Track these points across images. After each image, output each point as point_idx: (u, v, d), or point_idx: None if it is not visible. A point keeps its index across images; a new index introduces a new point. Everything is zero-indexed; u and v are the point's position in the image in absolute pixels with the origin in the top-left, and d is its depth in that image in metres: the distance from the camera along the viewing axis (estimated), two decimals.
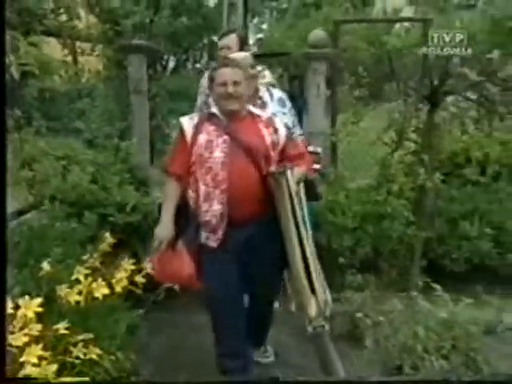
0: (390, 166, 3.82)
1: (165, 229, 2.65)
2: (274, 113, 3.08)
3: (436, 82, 3.50)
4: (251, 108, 2.79)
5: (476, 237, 4.16)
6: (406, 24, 6.66)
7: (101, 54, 5.96)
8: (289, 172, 2.52)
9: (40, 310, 2.13)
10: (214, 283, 2.69)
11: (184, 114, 2.89)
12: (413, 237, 4.02)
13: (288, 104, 3.37)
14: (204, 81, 3.69)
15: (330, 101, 5.07)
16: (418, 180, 3.54)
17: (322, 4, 14.96)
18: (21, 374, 1.98)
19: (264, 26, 16.99)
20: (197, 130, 2.62)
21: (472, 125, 3.84)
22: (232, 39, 3.59)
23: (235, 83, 2.60)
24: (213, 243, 2.62)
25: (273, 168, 2.59)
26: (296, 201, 2.55)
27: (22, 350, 2.05)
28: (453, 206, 4.34)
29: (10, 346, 2.03)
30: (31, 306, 2.12)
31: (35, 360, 2.02)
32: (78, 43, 5.49)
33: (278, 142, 2.66)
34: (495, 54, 3.16)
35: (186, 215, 2.68)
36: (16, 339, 2.05)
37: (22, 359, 2.02)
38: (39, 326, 2.14)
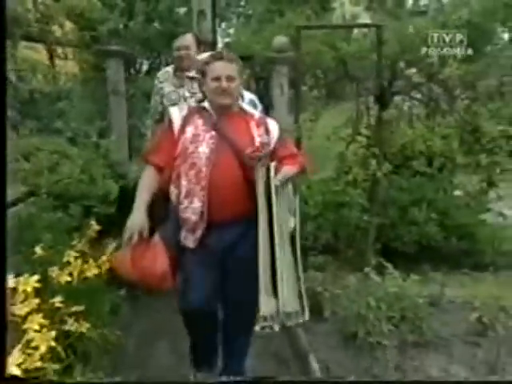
0: (346, 159, 4.15)
1: (136, 219, 2.39)
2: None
3: (385, 84, 3.86)
4: (243, 105, 2.67)
5: (423, 222, 4.56)
6: (365, 29, 7.04)
7: (77, 58, 6.16)
8: (272, 164, 2.32)
9: (38, 285, 2.34)
10: (187, 287, 2.48)
11: None
12: (368, 222, 4.37)
13: (259, 106, 3.37)
14: (157, 81, 3.83)
15: (293, 100, 5.38)
16: (369, 171, 3.87)
17: (285, 11, 15.19)
18: (24, 339, 2.17)
19: (231, 31, 17.26)
20: (185, 121, 2.47)
21: (418, 121, 4.20)
22: (188, 39, 3.57)
23: (229, 78, 2.44)
24: (190, 243, 2.43)
25: (248, 150, 2.35)
26: (275, 195, 2.26)
27: (24, 318, 2.26)
28: (403, 194, 4.73)
29: (13, 315, 2.25)
30: (30, 282, 2.32)
31: (37, 327, 2.24)
32: (56, 48, 5.67)
33: (269, 143, 2.47)
34: (435, 57, 3.50)
35: (166, 209, 2.50)
36: (19, 309, 2.28)
37: (24, 327, 2.24)
38: (37, 300, 2.35)
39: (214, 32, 8.98)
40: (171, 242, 2.41)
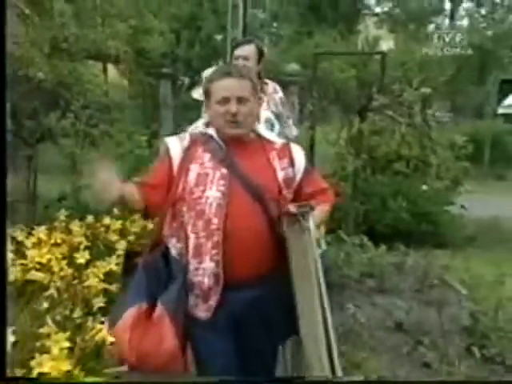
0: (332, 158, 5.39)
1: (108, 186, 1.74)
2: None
3: (364, 102, 5.08)
4: (260, 130, 2.01)
5: (398, 210, 5.72)
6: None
7: (129, 76, 7.59)
8: (311, 213, 1.77)
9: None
10: (203, 365, 1.94)
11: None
12: (352, 207, 5.57)
13: (276, 125, 2.90)
14: None
15: (305, 115, 6.63)
16: (346, 167, 5.11)
17: (314, 32, 16.51)
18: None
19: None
20: (187, 155, 1.87)
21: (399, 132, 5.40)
22: (250, 49, 3.08)
23: (241, 100, 1.84)
24: (203, 313, 1.86)
25: (292, 207, 1.78)
26: (317, 252, 1.76)
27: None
28: (384, 188, 5.92)
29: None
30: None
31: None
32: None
33: (294, 177, 1.92)
34: (397, 84, 4.71)
35: (167, 271, 1.89)
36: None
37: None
38: None
39: None
40: (178, 312, 1.81)
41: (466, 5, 21.39)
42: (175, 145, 1.91)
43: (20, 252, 2.46)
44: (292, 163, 1.91)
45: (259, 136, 1.96)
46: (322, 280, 1.65)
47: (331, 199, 2.03)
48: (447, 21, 20.54)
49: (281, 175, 1.87)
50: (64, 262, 2.40)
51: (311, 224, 1.72)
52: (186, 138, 1.94)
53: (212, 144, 1.88)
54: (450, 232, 5.74)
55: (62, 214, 3.02)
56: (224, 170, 1.82)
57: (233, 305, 1.84)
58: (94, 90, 4.42)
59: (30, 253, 2.40)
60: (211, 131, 1.93)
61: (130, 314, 1.79)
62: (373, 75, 6.58)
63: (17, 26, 4.25)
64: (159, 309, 1.79)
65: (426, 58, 14.45)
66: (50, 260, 2.38)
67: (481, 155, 9.93)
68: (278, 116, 3.05)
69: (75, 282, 2.23)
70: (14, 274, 2.22)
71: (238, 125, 1.84)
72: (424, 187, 5.77)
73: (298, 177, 1.92)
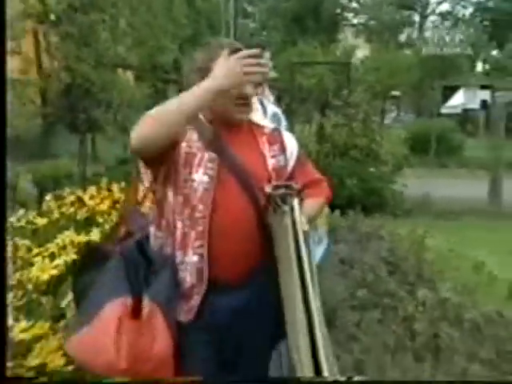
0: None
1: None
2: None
3: (323, 103, 6.71)
4: (253, 116, 1.72)
5: (352, 187, 7.33)
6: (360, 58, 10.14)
7: (144, 80, 9.15)
8: (295, 200, 1.46)
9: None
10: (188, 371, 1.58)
11: None
12: None
13: (283, 122, 2.71)
14: None
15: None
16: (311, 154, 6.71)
17: (298, 41, 18.10)
18: None
19: None
20: None
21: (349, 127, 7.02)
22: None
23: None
24: (185, 315, 1.53)
25: (267, 187, 1.51)
26: (303, 243, 1.41)
27: None
28: (342, 170, 7.53)
29: None
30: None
31: None
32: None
33: (286, 165, 1.66)
34: (344, 90, 6.34)
35: (145, 261, 1.56)
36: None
37: None
38: None
39: None
40: (171, 308, 1.49)
41: (432, 18, 24.06)
42: None
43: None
44: (283, 150, 1.65)
45: (249, 120, 1.64)
46: (306, 270, 1.36)
47: (326, 192, 1.76)
48: (416, 32, 22.81)
49: (271, 163, 1.60)
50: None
51: (296, 210, 1.43)
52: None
53: (199, 123, 1.56)
54: (391, 204, 7.38)
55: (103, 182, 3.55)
56: (212, 154, 1.53)
57: (218, 308, 1.53)
58: (125, 91, 6.02)
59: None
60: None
61: (111, 310, 1.42)
62: (341, 81, 8.24)
63: (69, 46, 5.82)
64: (148, 304, 1.44)
65: (397, 65, 16.21)
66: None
67: (428, 147, 11.79)
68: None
69: None
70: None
71: (248, 108, 1.57)
72: (372, 169, 7.39)
73: (290, 166, 1.66)
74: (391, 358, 2.81)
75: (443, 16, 23.58)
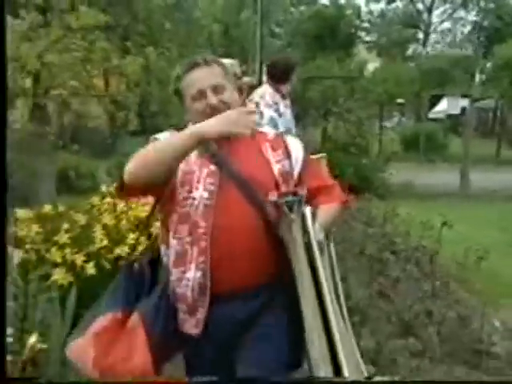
0: None
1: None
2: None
3: (326, 111, 8.85)
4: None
5: (349, 174, 9.38)
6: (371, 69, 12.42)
7: None
8: (308, 209, 1.44)
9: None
10: None
11: None
12: None
13: (280, 127, 2.69)
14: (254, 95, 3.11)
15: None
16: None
17: (317, 56, 20.23)
18: None
19: None
20: None
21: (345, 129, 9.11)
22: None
23: (217, 88, 1.54)
24: (192, 329, 1.54)
25: (271, 195, 1.45)
26: (318, 252, 1.40)
27: None
28: (342, 162, 9.57)
29: None
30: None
31: None
32: None
33: (292, 170, 1.59)
34: (342, 99, 8.45)
35: (152, 276, 1.62)
36: None
37: None
38: None
39: (261, 73, 12.51)
40: (156, 323, 1.50)
41: (434, 35, 27.67)
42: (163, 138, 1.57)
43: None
44: (288, 155, 1.59)
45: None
46: (323, 283, 1.33)
47: (340, 197, 1.63)
48: (420, 47, 25.52)
49: (276, 168, 1.54)
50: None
51: (308, 218, 1.38)
52: (175, 133, 1.54)
53: None
54: (380, 188, 9.45)
55: None
56: (212, 167, 1.49)
57: (223, 317, 1.50)
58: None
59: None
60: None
61: (98, 323, 1.49)
62: (349, 90, 10.37)
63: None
64: (134, 317, 1.49)
65: (402, 76, 18.22)
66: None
67: (418, 146, 14.07)
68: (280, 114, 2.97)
69: None
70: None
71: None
72: (364, 161, 9.49)
73: (297, 170, 1.58)
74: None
75: (444, 33, 27.41)
